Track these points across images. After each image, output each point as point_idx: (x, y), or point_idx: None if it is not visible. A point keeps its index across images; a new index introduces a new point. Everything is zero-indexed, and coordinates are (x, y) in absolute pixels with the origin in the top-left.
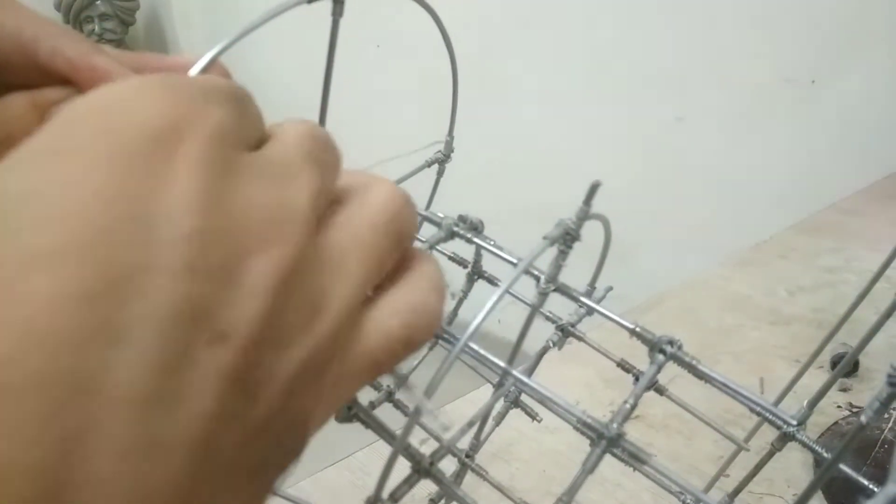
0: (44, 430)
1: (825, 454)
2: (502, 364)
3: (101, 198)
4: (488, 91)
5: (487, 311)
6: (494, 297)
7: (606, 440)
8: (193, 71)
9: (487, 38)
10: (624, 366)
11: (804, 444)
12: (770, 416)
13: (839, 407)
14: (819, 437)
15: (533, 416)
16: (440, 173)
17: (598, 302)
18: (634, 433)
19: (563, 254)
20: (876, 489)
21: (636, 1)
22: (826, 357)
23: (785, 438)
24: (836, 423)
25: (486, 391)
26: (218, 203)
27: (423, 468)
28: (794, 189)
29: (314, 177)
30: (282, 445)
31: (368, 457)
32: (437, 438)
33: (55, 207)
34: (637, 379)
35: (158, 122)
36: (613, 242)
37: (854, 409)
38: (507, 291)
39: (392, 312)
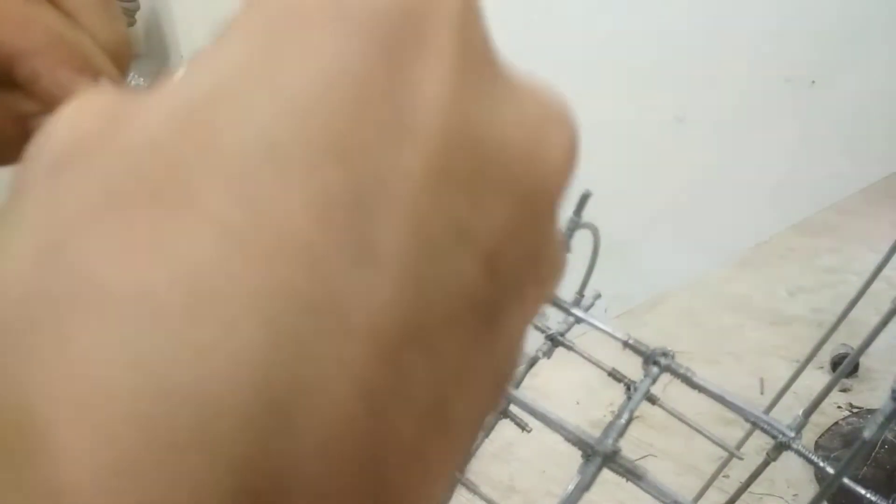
0: (269, 346)
1: (821, 464)
2: None
3: (343, 89)
4: None
5: None
6: None
7: (601, 457)
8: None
9: None
10: (615, 375)
11: (799, 454)
12: (765, 426)
13: (839, 407)
14: (819, 437)
15: (522, 426)
16: None
17: (587, 309)
18: (635, 433)
19: None
20: (876, 500)
21: (636, 0)
22: (826, 357)
23: (780, 448)
24: (836, 423)
25: None
26: (474, 93)
27: None
28: (794, 189)
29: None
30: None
31: None
32: None
33: (283, 99)
34: (628, 388)
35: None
36: (614, 243)
37: (854, 410)
38: None
39: None
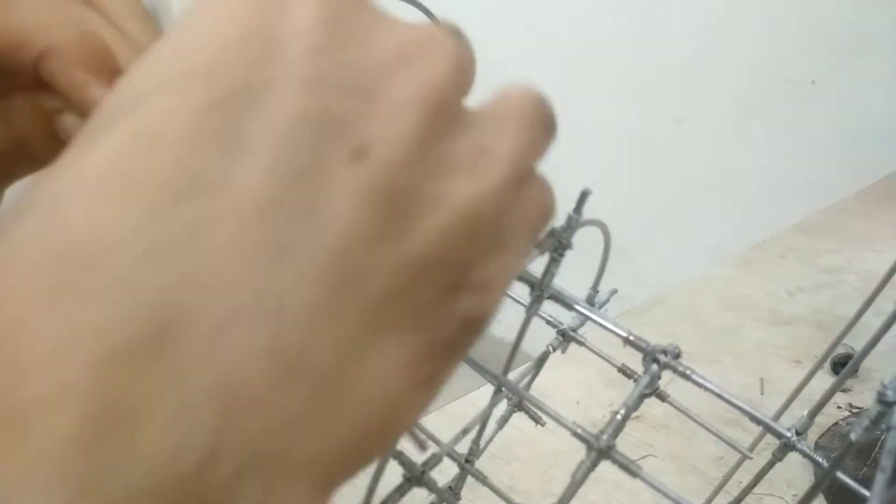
0: (158, 217)
1: (825, 464)
2: (496, 372)
3: (227, 16)
4: (486, 92)
5: None
6: None
7: (595, 452)
8: None
9: (486, 38)
10: (625, 371)
11: (804, 454)
12: (770, 428)
13: (839, 408)
14: (819, 437)
15: (537, 419)
16: None
17: (602, 306)
18: (635, 433)
19: (555, 261)
20: (869, 494)
21: (636, 0)
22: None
23: (786, 448)
24: (836, 423)
25: (487, 391)
26: (344, 21)
27: (414, 476)
28: (794, 189)
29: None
30: (450, 302)
31: None
32: (437, 442)
33: (185, 30)
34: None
35: None
36: (613, 243)
37: (854, 410)
38: None
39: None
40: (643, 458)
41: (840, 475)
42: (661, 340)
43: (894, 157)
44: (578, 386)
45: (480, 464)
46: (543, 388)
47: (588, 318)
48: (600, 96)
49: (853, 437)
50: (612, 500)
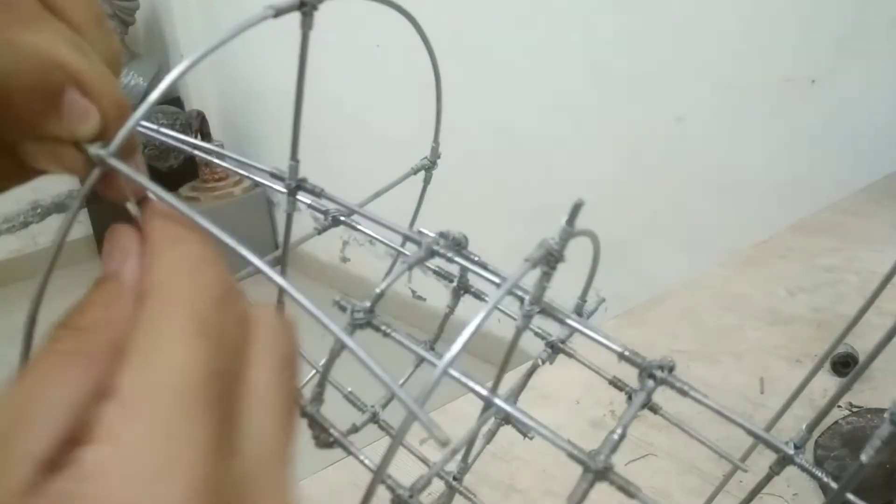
0: None
1: (825, 479)
2: (484, 392)
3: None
4: (488, 92)
5: (465, 342)
6: (471, 328)
7: (593, 473)
8: (148, 103)
9: (487, 39)
10: (616, 384)
11: (803, 469)
12: (767, 442)
13: (839, 406)
14: (819, 436)
15: (524, 433)
16: (427, 181)
17: (590, 315)
18: (635, 433)
19: (546, 275)
20: None
21: (636, 0)
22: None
23: (783, 462)
24: (835, 422)
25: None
26: None
27: (402, 501)
28: (794, 189)
29: None
30: None
31: (368, 457)
32: (426, 462)
33: None
34: (630, 397)
35: None
36: (613, 243)
37: (854, 409)
38: (484, 320)
39: None
40: (643, 457)
41: (850, 497)
42: (662, 340)
43: (894, 157)
44: (578, 386)
45: (481, 464)
46: (543, 387)
47: (580, 332)
48: (600, 96)
49: (864, 458)
50: (612, 500)
